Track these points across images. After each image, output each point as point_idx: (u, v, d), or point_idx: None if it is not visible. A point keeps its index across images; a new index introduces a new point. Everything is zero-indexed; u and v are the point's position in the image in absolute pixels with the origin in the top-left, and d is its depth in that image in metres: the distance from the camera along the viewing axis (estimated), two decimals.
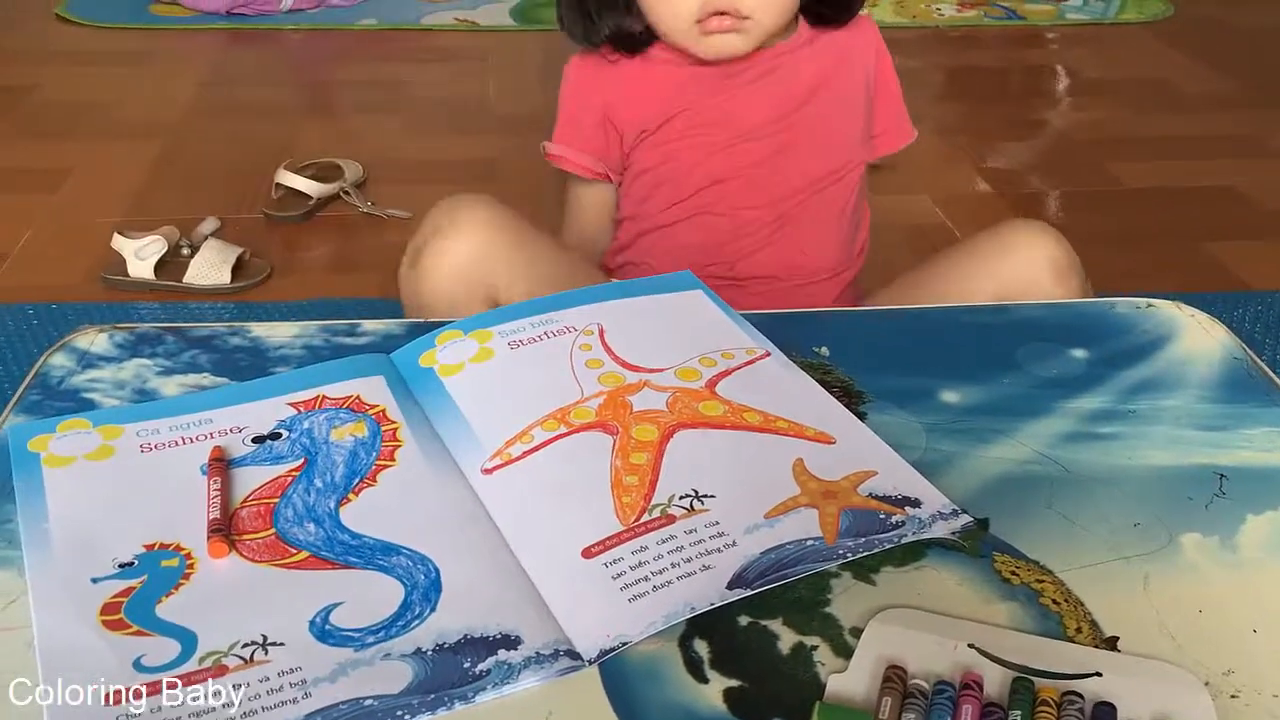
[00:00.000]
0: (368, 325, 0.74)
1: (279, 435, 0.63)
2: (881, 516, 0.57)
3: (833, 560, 0.54)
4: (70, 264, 1.85)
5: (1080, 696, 0.48)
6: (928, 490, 0.59)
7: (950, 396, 0.68)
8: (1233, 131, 2.50)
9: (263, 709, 0.47)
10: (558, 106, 1.05)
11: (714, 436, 0.62)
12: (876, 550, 0.55)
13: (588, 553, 0.55)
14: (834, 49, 1.04)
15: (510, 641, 0.50)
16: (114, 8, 3.07)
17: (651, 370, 0.67)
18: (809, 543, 0.55)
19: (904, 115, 1.11)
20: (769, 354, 0.70)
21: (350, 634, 0.51)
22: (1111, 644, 0.51)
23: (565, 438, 0.62)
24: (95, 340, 0.72)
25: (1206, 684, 0.49)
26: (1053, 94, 2.79)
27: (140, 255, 1.78)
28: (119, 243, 1.80)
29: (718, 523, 0.56)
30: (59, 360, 0.70)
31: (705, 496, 0.58)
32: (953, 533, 0.56)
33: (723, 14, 0.92)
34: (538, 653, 0.50)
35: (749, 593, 0.52)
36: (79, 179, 2.16)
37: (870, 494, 0.59)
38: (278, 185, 2.03)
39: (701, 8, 0.92)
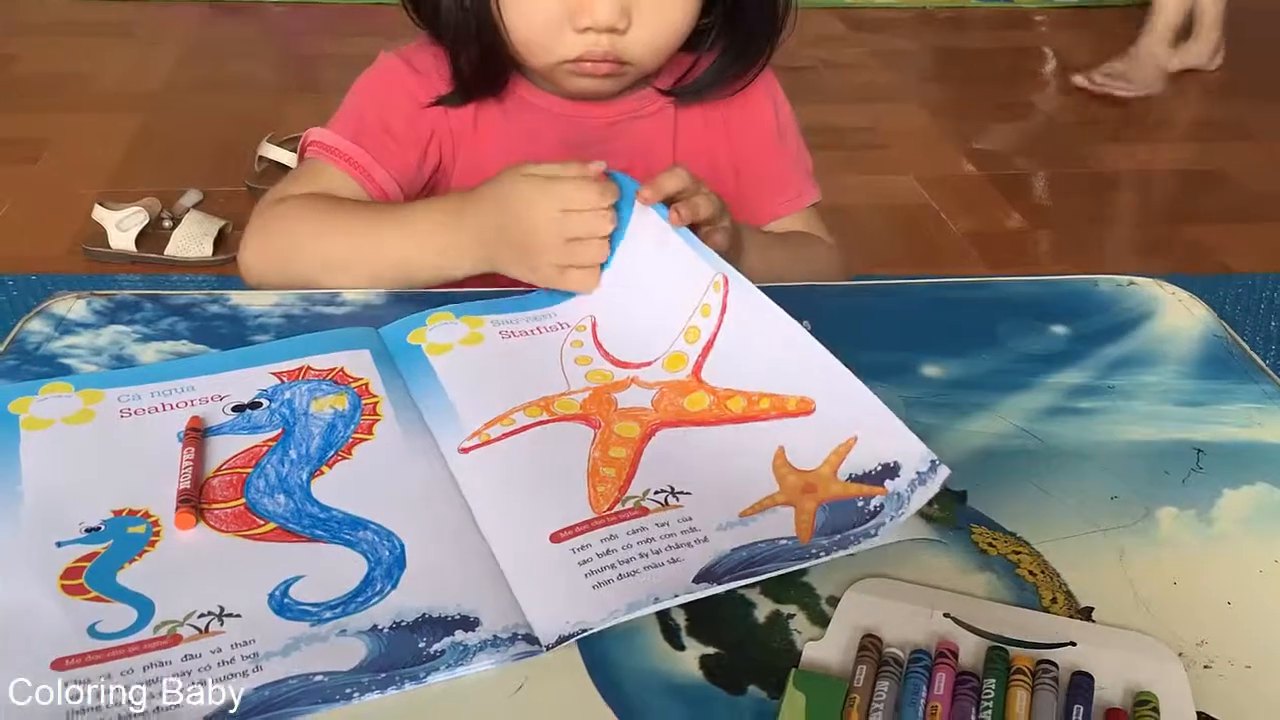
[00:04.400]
0: (348, 295, 0.74)
1: (259, 404, 0.63)
2: (859, 504, 0.55)
3: (805, 560, 0.52)
4: (51, 236, 1.84)
5: (1055, 665, 0.48)
6: (907, 445, 0.55)
7: (931, 370, 0.68)
8: (1217, 115, 2.51)
9: (212, 680, 0.46)
10: (358, 99, 0.86)
11: (696, 434, 0.61)
12: (850, 550, 0.53)
13: (556, 537, 0.54)
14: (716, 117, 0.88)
15: (469, 623, 0.49)
16: None
17: (640, 365, 0.66)
18: (782, 541, 0.54)
19: (791, 181, 0.93)
20: (728, 279, 0.67)
21: (308, 608, 0.50)
22: (1086, 614, 0.52)
23: (546, 425, 0.62)
24: (73, 306, 0.71)
25: (1180, 654, 0.49)
26: (1040, 76, 2.79)
27: (121, 227, 1.77)
28: (100, 214, 1.79)
29: (690, 519, 0.55)
30: (36, 326, 0.70)
31: (681, 493, 0.57)
32: (930, 497, 0.53)
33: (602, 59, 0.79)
34: (495, 636, 0.49)
35: (716, 588, 0.51)
36: (58, 150, 2.14)
37: (850, 475, 0.57)
38: (260, 158, 2.02)
39: (577, 52, 0.78)
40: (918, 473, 0.54)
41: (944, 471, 0.54)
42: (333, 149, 0.82)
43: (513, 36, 0.79)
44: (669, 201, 0.71)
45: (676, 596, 0.50)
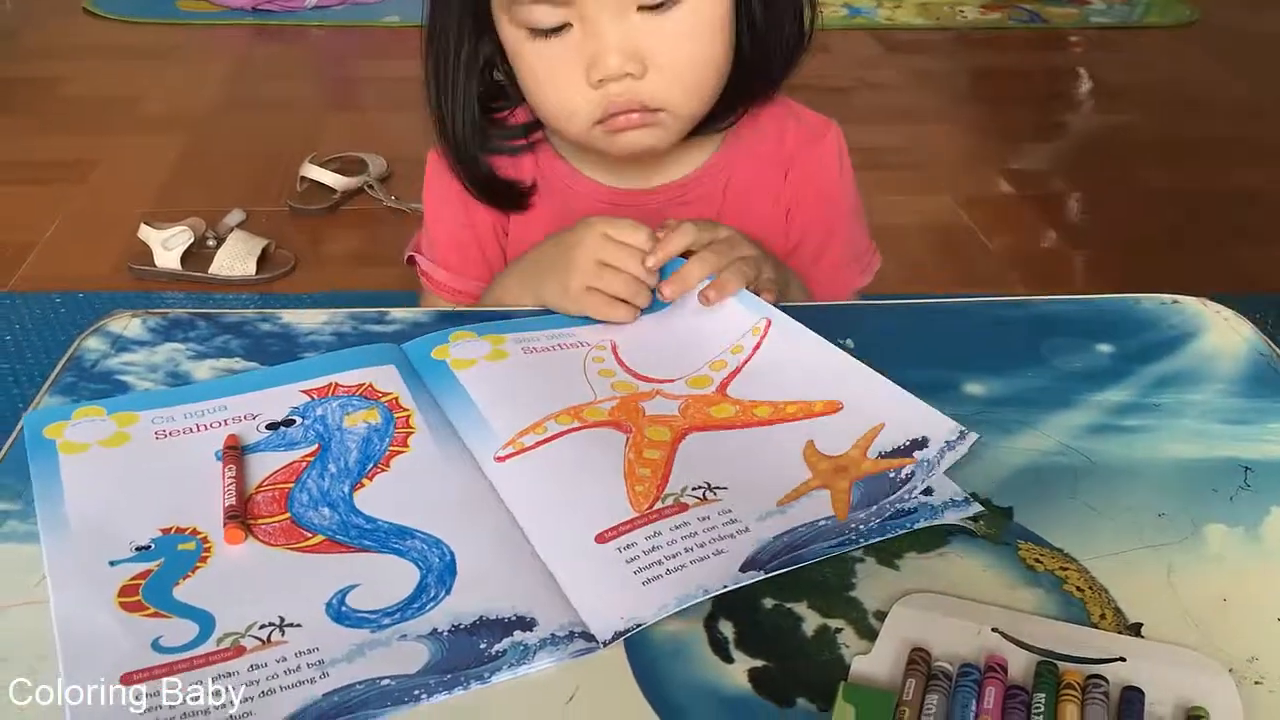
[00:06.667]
0: (396, 313, 0.75)
1: (292, 422, 0.64)
2: (891, 476, 0.57)
3: (845, 535, 0.55)
4: (97, 254, 1.87)
5: (1105, 680, 0.48)
6: (934, 421, 0.60)
7: (975, 388, 0.68)
8: (1255, 135, 2.49)
9: (280, 689, 0.47)
10: (427, 214, 0.93)
11: (726, 437, 0.62)
12: (888, 516, 0.56)
13: (601, 538, 0.55)
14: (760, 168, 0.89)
15: (526, 623, 0.50)
16: (141, 2, 3.11)
17: (664, 380, 0.68)
18: (821, 523, 0.55)
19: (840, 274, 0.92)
20: (770, 322, 0.70)
21: (366, 615, 0.51)
22: (1135, 630, 0.52)
23: (578, 431, 0.63)
24: (128, 325, 0.73)
25: (1230, 670, 0.49)
26: (1076, 97, 2.79)
27: (167, 245, 1.80)
28: (146, 233, 1.82)
29: (730, 510, 0.56)
30: (93, 344, 0.71)
31: (718, 488, 0.58)
32: (960, 457, 0.56)
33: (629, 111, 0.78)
34: (553, 634, 0.50)
35: (762, 575, 0.52)
36: (106, 171, 2.18)
37: (879, 454, 0.59)
38: (303, 178, 2.05)
39: (601, 108, 0.77)
40: (946, 441, 0.57)
41: (972, 437, 0.56)
42: (429, 276, 0.92)
43: (541, 111, 0.81)
44: (686, 254, 0.74)
45: (725, 587, 0.51)
